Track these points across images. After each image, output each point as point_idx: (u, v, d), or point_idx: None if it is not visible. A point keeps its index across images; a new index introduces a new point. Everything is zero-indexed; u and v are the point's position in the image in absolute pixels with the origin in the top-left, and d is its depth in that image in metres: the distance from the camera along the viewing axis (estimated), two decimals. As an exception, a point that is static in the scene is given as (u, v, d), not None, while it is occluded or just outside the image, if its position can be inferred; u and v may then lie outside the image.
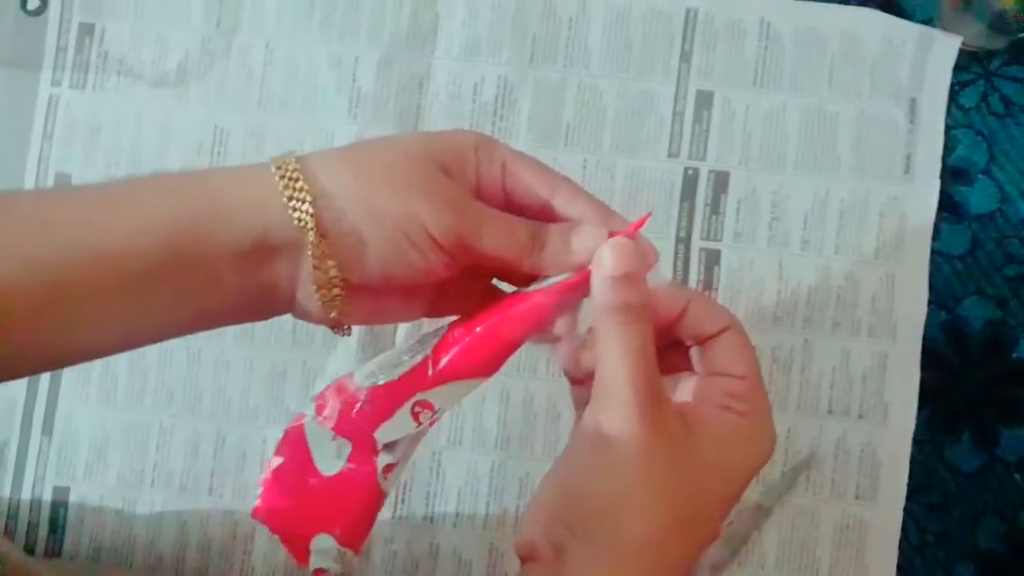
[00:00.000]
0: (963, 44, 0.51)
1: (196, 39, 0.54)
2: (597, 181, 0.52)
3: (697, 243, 0.52)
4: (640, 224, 0.33)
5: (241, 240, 0.31)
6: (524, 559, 0.33)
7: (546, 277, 0.33)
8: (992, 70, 0.52)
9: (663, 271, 0.51)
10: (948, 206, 0.52)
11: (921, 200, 0.51)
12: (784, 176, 0.52)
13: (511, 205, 0.34)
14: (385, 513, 0.51)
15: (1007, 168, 0.52)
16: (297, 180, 0.30)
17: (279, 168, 0.31)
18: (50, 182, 0.53)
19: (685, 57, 0.53)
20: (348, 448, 0.33)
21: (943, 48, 0.51)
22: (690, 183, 0.52)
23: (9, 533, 0.52)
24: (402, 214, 0.30)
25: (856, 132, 0.52)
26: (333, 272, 0.31)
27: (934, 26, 0.52)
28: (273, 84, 0.53)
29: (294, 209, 0.30)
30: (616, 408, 0.30)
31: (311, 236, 0.30)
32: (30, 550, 0.52)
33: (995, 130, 0.52)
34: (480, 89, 0.53)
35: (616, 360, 0.30)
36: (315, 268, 0.31)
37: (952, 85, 0.52)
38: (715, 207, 0.52)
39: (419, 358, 0.34)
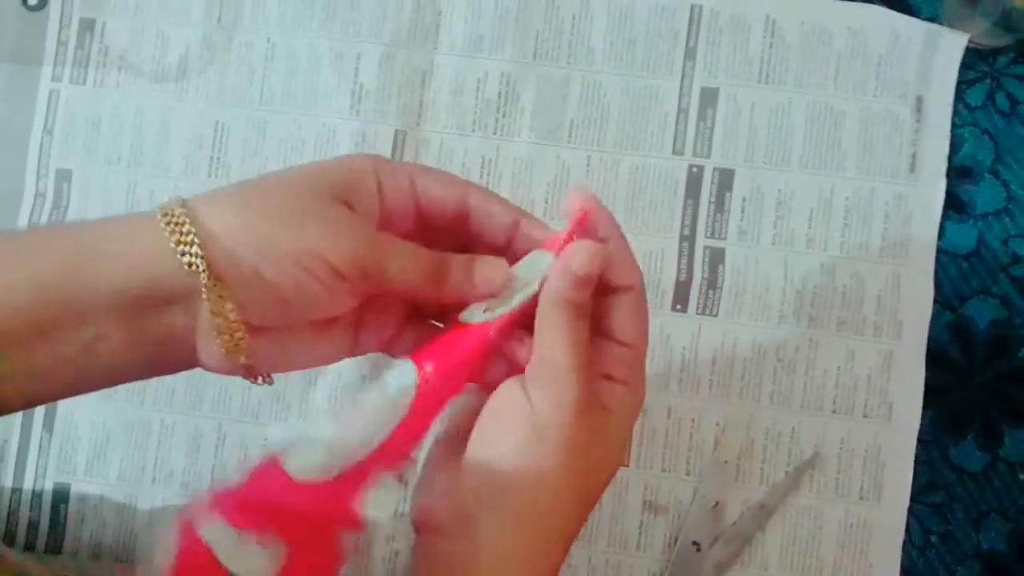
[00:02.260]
0: (970, 42, 0.51)
1: (197, 34, 0.53)
2: (601, 178, 0.52)
3: (701, 241, 0.51)
4: (582, 220, 0.33)
5: (123, 291, 0.29)
6: (420, 528, 0.33)
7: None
8: (998, 68, 0.52)
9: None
10: (954, 205, 0.51)
11: (927, 199, 0.51)
12: (789, 174, 0.52)
13: (425, 219, 0.34)
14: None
15: (1013, 167, 0.52)
16: (184, 224, 0.29)
17: (165, 215, 0.30)
18: (51, 178, 0.53)
19: (690, 54, 0.52)
20: None
21: (950, 46, 0.51)
22: (694, 180, 0.52)
23: (10, 529, 0.52)
24: (300, 250, 0.30)
25: (862, 130, 0.51)
26: (233, 316, 0.30)
27: (941, 24, 0.52)
28: (274, 80, 0.53)
29: (183, 254, 0.29)
30: (557, 394, 0.31)
31: (204, 279, 0.29)
32: (30, 546, 0.52)
33: (1001, 129, 0.52)
34: (483, 86, 0.52)
35: (563, 349, 0.31)
36: (213, 314, 0.30)
37: (958, 83, 0.51)
38: (720, 205, 0.52)
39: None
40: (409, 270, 0.32)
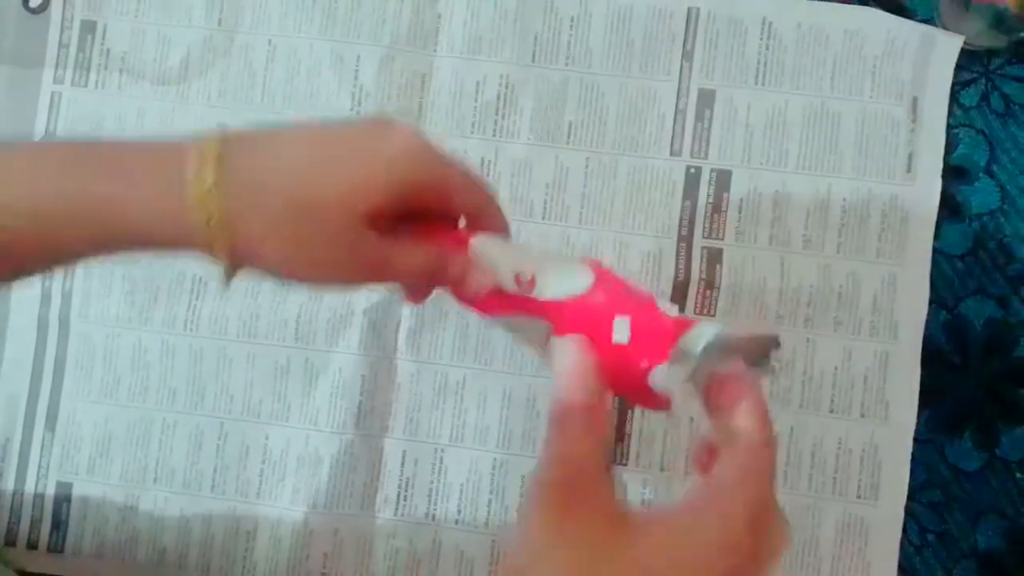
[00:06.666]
0: (964, 43, 0.51)
1: (198, 36, 0.54)
2: (599, 179, 0.52)
3: (699, 242, 0.52)
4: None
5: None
6: None
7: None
8: (993, 69, 0.52)
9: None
10: (949, 205, 0.52)
11: (923, 199, 0.51)
12: (786, 175, 0.52)
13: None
14: (387, 510, 0.51)
15: (1008, 167, 0.52)
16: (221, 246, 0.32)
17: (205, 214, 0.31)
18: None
19: (687, 56, 0.53)
20: None
21: (945, 47, 0.51)
22: (692, 181, 0.52)
23: (12, 528, 0.52)
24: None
25: (858, 131, 0.52)
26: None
27: (936, 25, 0.52)
28: (275, 81, 0.53)
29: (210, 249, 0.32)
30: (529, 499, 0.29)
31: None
32: (32, 546, 0.52)
33: (996, 129, 0.52)
34: (482, 88, 0.53)
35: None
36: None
37: (953, 84, 0.52)
38: (717, 206, 0.52)
39: None
40: (414, 268, 0.34)
